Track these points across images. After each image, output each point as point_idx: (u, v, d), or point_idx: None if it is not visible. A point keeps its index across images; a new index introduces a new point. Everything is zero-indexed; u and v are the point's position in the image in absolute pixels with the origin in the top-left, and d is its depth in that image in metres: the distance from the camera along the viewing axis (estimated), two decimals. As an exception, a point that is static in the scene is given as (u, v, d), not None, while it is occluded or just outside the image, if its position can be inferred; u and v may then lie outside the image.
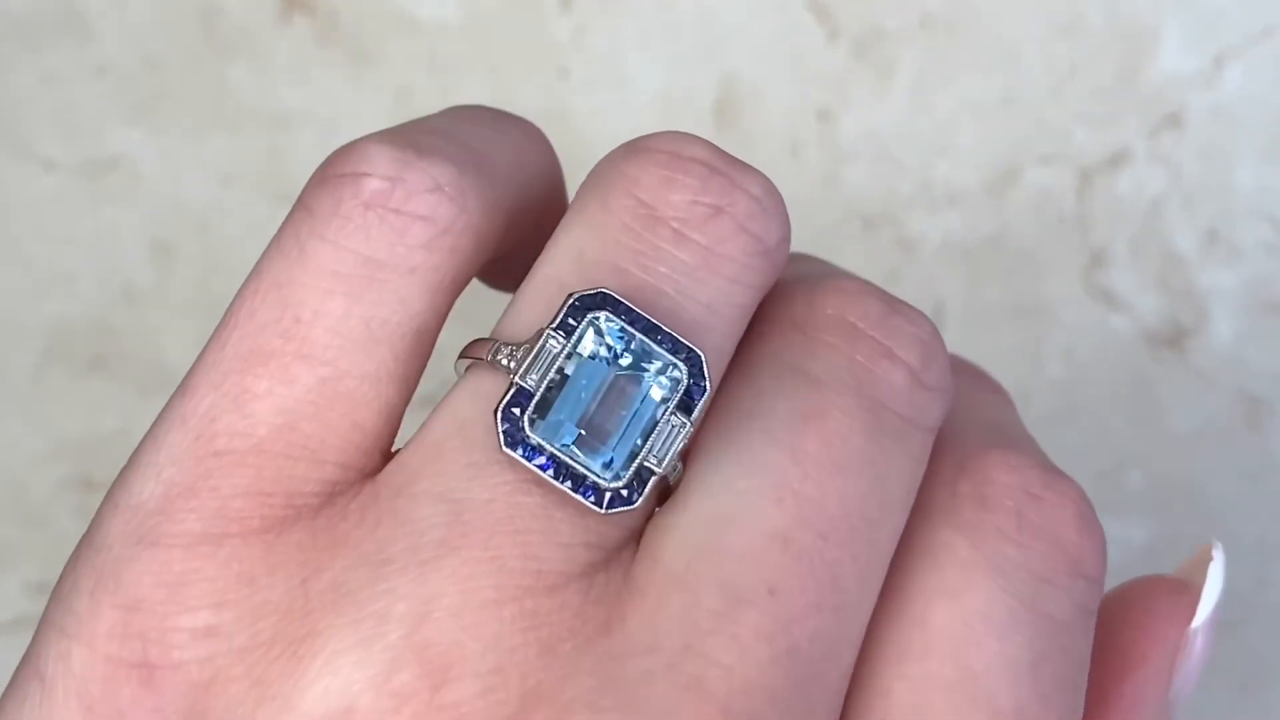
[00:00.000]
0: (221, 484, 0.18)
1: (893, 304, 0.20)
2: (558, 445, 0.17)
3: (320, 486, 0.18)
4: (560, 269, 0.19)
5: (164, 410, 0.19)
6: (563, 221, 0.19)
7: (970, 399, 0.21)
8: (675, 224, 0.19)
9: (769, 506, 0.17)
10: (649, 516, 0.18)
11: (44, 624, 0.18)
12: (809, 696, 0.17)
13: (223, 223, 0.38)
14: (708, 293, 0.19)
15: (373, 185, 0.19)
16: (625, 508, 0.17)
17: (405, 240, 0.18)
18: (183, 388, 0.18)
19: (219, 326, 0.19)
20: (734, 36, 0.38)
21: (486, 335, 0.19)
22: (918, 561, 0.18)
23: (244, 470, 0.18)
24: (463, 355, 0.19)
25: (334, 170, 0.19)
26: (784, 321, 0.19)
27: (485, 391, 0.18)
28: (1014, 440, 0.21)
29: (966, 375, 0.23)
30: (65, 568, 0.18)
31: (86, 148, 0.39)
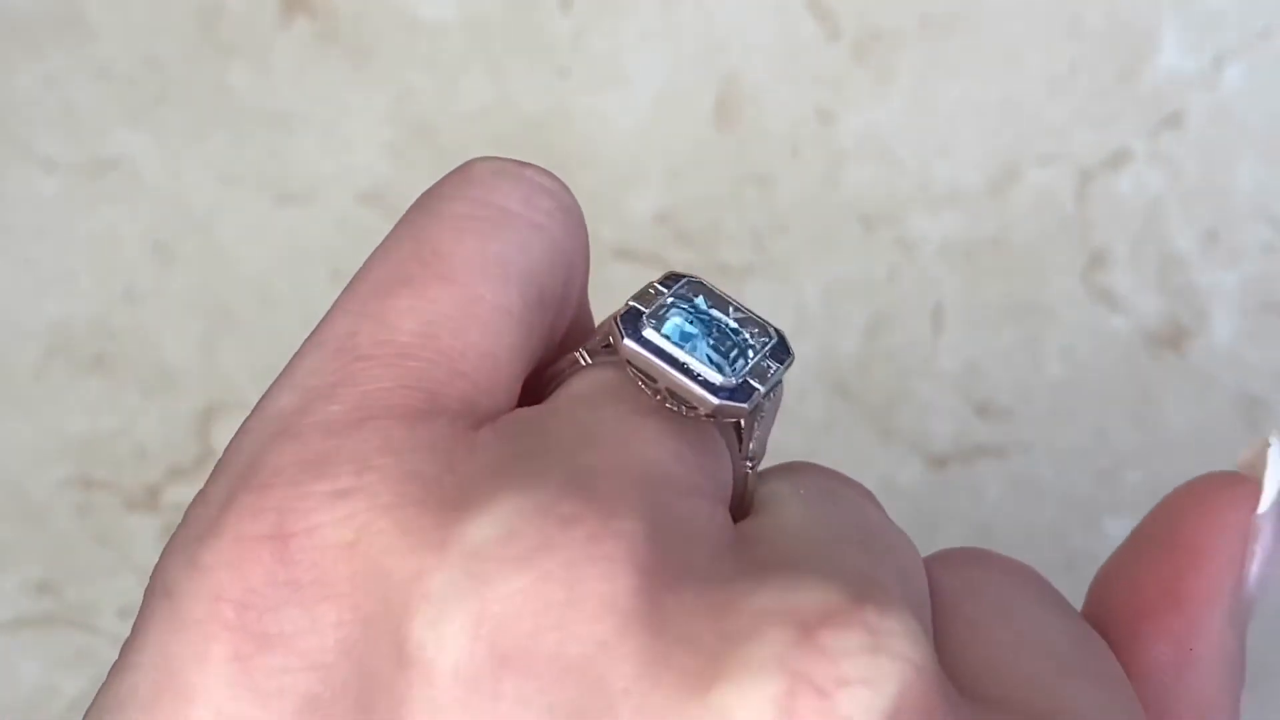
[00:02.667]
0: (363, 381, 0.17)
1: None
2: (674, 346, 0.19)
3: (461, 395, 0.18)
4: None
5: (299, 349, 0.18)
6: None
7: None
8: None
9: (829, 509, 0.19)
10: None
11: (168, 549, 0.17)
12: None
13: (223, 223, 0.38)
14: None
15: (497, 163, 0.20)
16: (736, 402, 0.18)
17: (533, 200, 0.19)
18: (319, 325, 0.18)
19: (358, 276, 0.19)
20: (734, 36, 0.38)
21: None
22: None
23: (387, 370, 0.17)
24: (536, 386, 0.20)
25: (463, 166, 0.20)
26: None
27: (584, 375, 0.19)
28: None
29: None
30: (194, 499, 0.17)
31: (87, 148, 0.39)
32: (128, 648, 0.16)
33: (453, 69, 0.38)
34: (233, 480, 0.17)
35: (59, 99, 0.39)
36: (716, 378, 0.18)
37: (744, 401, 0.19)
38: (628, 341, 0.18)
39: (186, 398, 0.38)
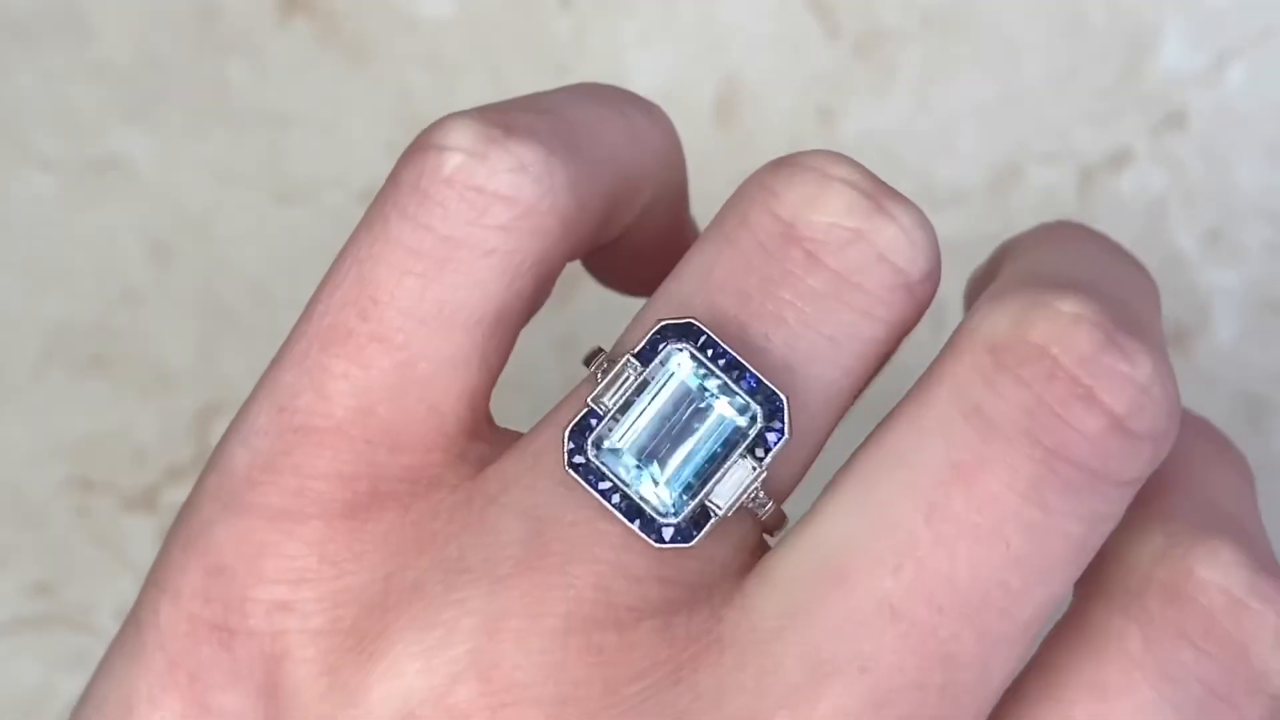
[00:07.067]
0: (302, 463, 0.17)
1: (1114, 337, 0.17)
2: (620, 470, 0.17)
3: (405, 474, 0.17)
4: (686, 286, 0.18)
5: (262, 376, 0.19)
6: (701, 235, 0.19)
7: (1203, 470, 0.19)
8: (810, 245, 0.18)
9: (884, 573, 0.16)
10: (751, 554, 0.17)
11: (148, 577, 0.18)
12: None
13: (222, 223, 0.38)
14: (832, 324, 0.18)
15: (454, 160, 0.18)
16: (682, 544, 0.17)
17: (484, 220, 0.18)
18: (276, 358, 0.19)
19: (311, 299, 0.19)
20: (734, 36, 0.38)
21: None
22: (1079, 644, 0.17)
23: (323, 451, 0.17)
24: (586, 362, 0.19)
25: (422, 141, 0.18)
26: (980, 341, 0.18)
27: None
28: (1237, 529, 0.18)
29: (1206, 441, 0.20)
30: (170, 531, 0.18)
31: (85, 147, 0.39)
32: (98, 672, 0.18)
33: (453, 68, 0.38)
34: (188, 532, 0.18)
35: (58, 98, 0.39)
36: (659, 513, 0.17)
37: (688, 541, 0.17)
38: (569, 471, 0.17)
39: (185, 398, 0.38)
